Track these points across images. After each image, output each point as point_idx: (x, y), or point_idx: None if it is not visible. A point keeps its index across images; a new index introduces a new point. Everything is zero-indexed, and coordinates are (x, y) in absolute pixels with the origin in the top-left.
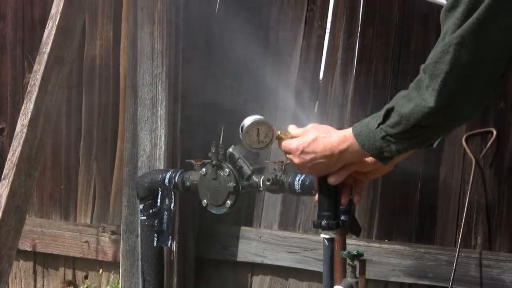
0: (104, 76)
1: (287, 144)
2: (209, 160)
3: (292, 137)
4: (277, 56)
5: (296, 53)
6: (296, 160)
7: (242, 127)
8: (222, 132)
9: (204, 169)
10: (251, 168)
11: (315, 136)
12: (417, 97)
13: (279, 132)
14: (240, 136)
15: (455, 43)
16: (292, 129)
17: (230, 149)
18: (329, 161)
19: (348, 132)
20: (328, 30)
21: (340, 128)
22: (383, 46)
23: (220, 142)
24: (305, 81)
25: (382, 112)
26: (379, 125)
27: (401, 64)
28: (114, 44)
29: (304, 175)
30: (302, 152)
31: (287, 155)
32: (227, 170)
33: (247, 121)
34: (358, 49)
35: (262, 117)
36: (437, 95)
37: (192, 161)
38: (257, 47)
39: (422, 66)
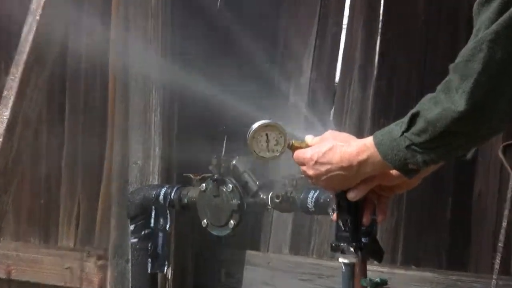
0: (91, 76)
1: (301, 153)
2: (209, 174)
3: (307, 146)
4: (287, 57)
5: (309, 53)
6: (310, 172)
7: (249, 132)
8: (225, 142)
9: (204, 185)
10: (257, 183)
11: (331, 145)
12: (445, 100)
13: (292, 141)
14: (247, 142)
15: (489, 40)
16: (309, 139)
17: (234, 162)
18: (347, 174)
19: (369, 141)
20: (344, 27)
21: (360, 137)
22: (407, 44)
23: (223, 153)
24: (319, 84)
25: (406, 118)
26: (403, 132)
27: (428, 64)
28: (102, 40)
29: (318, 191)
30: (317, 162)
31: (301, 167)
32: (231, 185)
33: (255, 124)
34: (379, 48)
35: (272, 121)
36: (468, 97)
37: (191, 175)
38: (264, 46)
39: (451, 66)
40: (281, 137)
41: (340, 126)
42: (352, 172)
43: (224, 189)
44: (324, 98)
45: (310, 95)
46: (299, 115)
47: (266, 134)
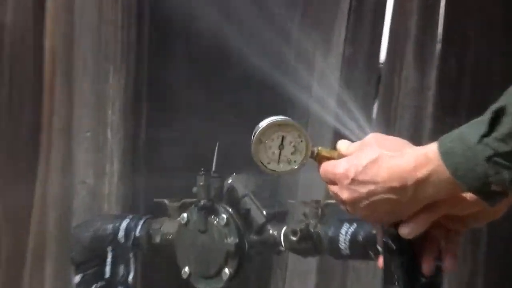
0: (19, 56)
1: (330, 167)
2: (193, 200)
3: (340, 157)
4: (309, 25)
5: (341, 20)
6: (344, 195)
7: (254, 133)
8: (216, 152)
9: (185, 215)
10: (265, 212)
11: (376, 155)
12: None
13: (318, 148)
14: (251, 148)
15: None
16: (343, 146)
17: (230, 180)
18: (399, 198)
19: (431, 149)
20: None
21: (417, 144)
22: (485, 7)
23: (213, 167)
24: (355, 66)
25: (486, 117)
26: (482, 137)
27: None
28: (36, 8)
29: (355, 225)
30: (354, 181)
31: (330, 187)
32: (225, 215)
33: (265, 122)
34: (445, 13)
35: (288, 118)
36: None
37: (166, 200)
38: (275, 10)
39: None
40: (301, 141)
41: (387, 127)
42: (407, 196)
43: (215, 221)
44: (363, 86)
45: (342, 81)
46: (327, 110)
47: (282, 137)
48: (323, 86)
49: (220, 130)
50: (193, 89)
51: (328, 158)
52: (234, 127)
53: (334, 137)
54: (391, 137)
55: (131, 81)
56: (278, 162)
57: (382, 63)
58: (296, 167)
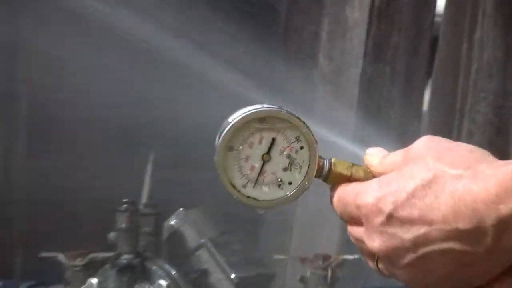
0: None
1: (352, 193)
2: (108, 254)
3: (369, 177)
4: None
5: None
6: (375, 244)
7: (222, 131)
8: (150, 167)
9: (94, 281)
10: (233, 275)
11: (430, 175)
12: None
13: (332, 161)
14: (215, 159)
15: None
16: (374, 158)
17: (174, 221)
18: (470, 249)
19: None
20: None
21: (497, 155)
22: None
23: (144, 199)
24: (390, 30)
25: None
26: None
27: None
28: None
29: None
30: (393, 218)
31: (350, 229)
32: (163, 283)
33: (239, 114)
34: None
35: (279, 108)
36: None
37: (60, 255)
38: None
39: None
40: (301, 148)
41: (448, 125)
42: (484, 245)
43: None
44: (406, 58)
45: (368, 52)
46: (348, 101)
47: (270, 141)
48: (339, 59)
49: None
50: None
51: (349, 179)
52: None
53: (357, 145)
54: (455, 144)
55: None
56: (261, 184)
57: (439, 16)
58: (291, 193)
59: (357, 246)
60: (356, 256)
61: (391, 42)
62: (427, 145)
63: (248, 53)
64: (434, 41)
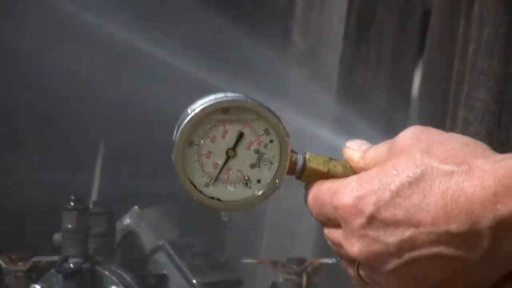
0: None
1: (328, 193)
2: (53, 258)
3: (349, 173)
4: None
5: None
6: (355, 249)
7: (180, 124)
8: (100, 161)
9: None
10: (195, 281)
11: (418, 171)
12: None
13: (306, 156)
14: (172, 156)
15: None
16: (355, 152)
17: (128, 220)
18: (463, 255)
19: None
20: None
21: (496, 149)
22: None
23: (94, 196)
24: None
25: None
26: None
27: None
28: None
29: None
30: (374, 220)
31: (327, 232)
32: None
33: (200, 103)
34: None
35: (245, 97)
36: None
37: None
38: None
39: None
40: (270, 142)
41: (438, 117)
42: (479, 251)
43: None
44: (393, 36)
45: (349, 29)
46: (326, 86)
47: (236, 134)
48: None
49: None
50: None
51: (326, 176)
52: None
53: (335, 139)
54: (447, 135)
55: None
56: (226, 183)
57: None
58: (260, 192)
59: (335, 251)
60: (335, 260)
61: (376, 18)
62: (415, 136)
63: (208, 29)
64: (426, 17)
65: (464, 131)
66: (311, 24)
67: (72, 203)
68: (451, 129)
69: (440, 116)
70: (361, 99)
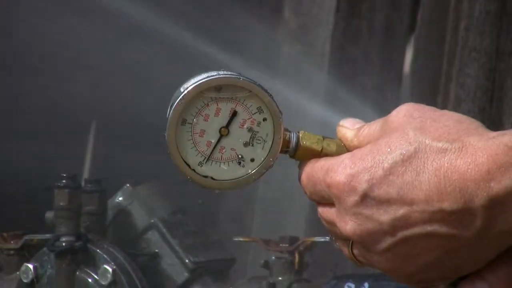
0: None
1: (322, 170)
2: (45, 236)
3: (342, 151)
4: None
5: None
6: (348, 227)
7: (173, 103)
8: (92, 138)
9: (30, 266)
10: (188, 260)
11: (411, 149)
12: None
13: (300, 134)
14: (165, 134)
15: None
16: (348, 130)
17: (121, 198)
18: (457, 233)
19: None
20: None
21: (491, 127)
22: None
23: (86, 174)
24: None
25: None
26: None
27: None
28: None
29: (368, 286)
30: (367, 198)
31: (320, 210)
32: (109, 268)
33: (193, 81)
34: None
35: (238, 75)
36: None
37: None
38: None
39: None
40: (264, 120)
41: (430, 93)
42: (473, 228)
43: (89, 279)
44: (385, 12)
45: (341, 5)
46: (318, 62)
47: (229, 112)
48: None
49: None
50: None
51: (319, 154)
52: None
53: (329, 118)
54: (441, 113)
55: None
56: (219, 161)
57: None
58: (254, 171)
59: (329, 230)
60: (327, 238)
61: None
62: (408, 114)
63: (199, 5)
64: None
65: (456, 109)
66: (302, 0)
67: (64, 181)
68: (443, 106)
69: (432, 93)
70: (352, 74)
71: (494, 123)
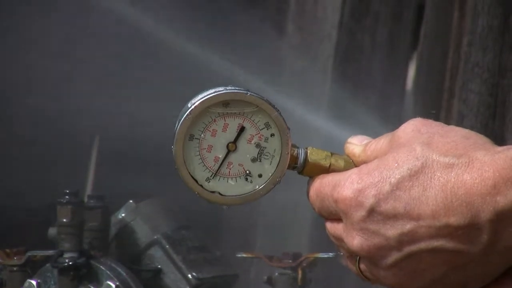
0: None
1: (329, 186)
2: (48, 252)
3: (349, 166)
4: None
5: None
6: (355, 242)
7: (181, 118)
8: (95, 153)
9: (33, 283)
10: (191, 275)
11: (418, 164)
12: None
13: (307, 150)
14: (172, 148)
15: None
16: (356, 146)
17: (123, 214)
18: (464, 248)
19: None
20: None
21: (498, 142)
22: None
23: (89, 190)
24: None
25: None
26: None
27: None
28: None
29: None
30: (374, 213)
31: (328, 225)
32: (112, 284)
33: (200, 97)
34: None
35: (245, 91)
36: None
37: None
38: None
39: None
40: (271, 136)
41: (433, 109)
42: (479, 244)
43: None
44: (388, 28)
45: (344, 21)
46: (321, 78)
47: (237, 128)
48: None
49: None
50: None
51: (327, 170)
52: None
53: (335, 134)
54: (448, 128)
55: None
56: (226, 177)
57: None
58: (261, 186)
59: (336, 245)
60: (331, 254)
61: (370, 9)
62: (416, 129)
63: (203, 21)
64: (420, 9)
65: (459, 124)
66: (305, 16)
67: (66, 197)
68: (446, 121)
69: (434, 108)
70: (355, 90)
71: (496, 139)
